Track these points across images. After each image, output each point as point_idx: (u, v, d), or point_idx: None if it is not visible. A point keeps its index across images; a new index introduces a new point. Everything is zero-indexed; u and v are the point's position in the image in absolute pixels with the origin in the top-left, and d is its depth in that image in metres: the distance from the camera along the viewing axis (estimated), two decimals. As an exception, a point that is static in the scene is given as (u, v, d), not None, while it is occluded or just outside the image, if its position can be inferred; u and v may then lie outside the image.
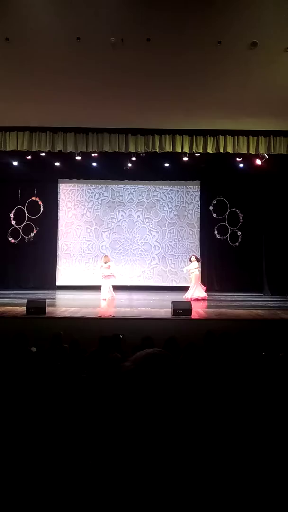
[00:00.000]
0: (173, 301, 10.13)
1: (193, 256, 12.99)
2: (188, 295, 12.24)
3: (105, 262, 12.28)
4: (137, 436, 0.94)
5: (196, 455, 1.18)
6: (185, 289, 12.95)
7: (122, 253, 15.02)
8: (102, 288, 12.07)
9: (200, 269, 13.12)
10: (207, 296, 12.49)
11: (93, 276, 14.19)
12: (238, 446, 2.26)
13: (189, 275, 13.02)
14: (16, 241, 14.72)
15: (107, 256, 12.79)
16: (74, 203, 15.13)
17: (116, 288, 13.49)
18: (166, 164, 13.09)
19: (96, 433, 2.26)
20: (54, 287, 14.54)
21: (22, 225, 14.76)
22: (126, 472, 0.97)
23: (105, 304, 11.57)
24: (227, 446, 2.23)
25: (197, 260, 12.94)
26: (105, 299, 11.82)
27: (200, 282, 12.80)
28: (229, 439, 2.37)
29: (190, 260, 12.94)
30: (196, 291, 12.43)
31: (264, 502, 1.56)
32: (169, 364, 0.92)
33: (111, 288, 12.16)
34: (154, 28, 7.25)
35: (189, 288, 12.60)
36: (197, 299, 12.03)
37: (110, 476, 1.02)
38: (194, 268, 12.73)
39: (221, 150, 10.07)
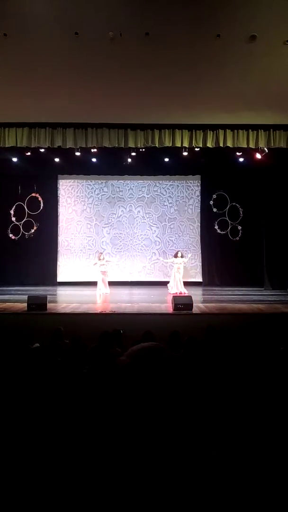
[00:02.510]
0: (173, 296, 10.15)
1: (180, 252, 12.85)
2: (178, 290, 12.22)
3: (103, 259, 12.39)
4: (135, 430, 0.94)
5: (194, 448, 1.19)
6: (186, 284, 12.92)
7: (123, 249, 15.02)
8: (104, 283, 12.15)
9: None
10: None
11: (94, 272, 14.20)
12: (238, 440, 2.27)
13: (179, 269, 12.63)
14: (16, 237, 14.74)
15: (101, 253, 12.90)
16: (74, 199, 15.12)
17: (117, 283, 13.53)
18: (166, 159, 13.06)
19: (97, 428, 2.27)
20: (54, 283, 14.57)
21: (23, 221, 14.77)
22: (125, 467, 0.98)
23: (106, 298, 11.66)
24: (227, 439, 2.24)
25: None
26: (107, 293, 11.96)
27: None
28: (229, 432, 2.38)
29: (182, 256, 12.75)
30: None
31: (265, 499, 1.56)
32: (164, 357, 0.92)
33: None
34: (152, 22, 7.21)
35: (177, 283, 12.50)
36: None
37: (110, 471, 1.03)
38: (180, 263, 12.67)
39: (221, 145, 10.03)
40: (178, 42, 7.56)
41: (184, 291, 12.19)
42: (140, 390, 0.90)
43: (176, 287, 12.33)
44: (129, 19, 7.22)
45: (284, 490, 1.66)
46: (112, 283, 12.94)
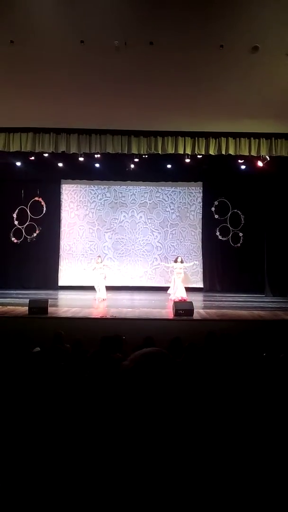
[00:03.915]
0: (174, 302, 10.18)
1: (180, 257, 12.84)
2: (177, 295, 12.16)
3: (101, 262, 12.35)
4: (137, 434, 0.99)
5: (195, 451, 1.23)
6: (187, 289, 12.90)
7: (124, 254, 15.07)
8: (102, 288, 12.11)
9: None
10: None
11: (95, 277, 14.23)
12: (238, 445, 2.30)
13: (179, 274, 12.52)
14: (18, 241, 14.79)
15: (99, 256, 12.86)
16: (76, 203, 15.19)
17: (118, 288, 13.56)
18: (169, 166, 13.15)
19: (99, 432, 2.31)
20: (56, 287, 14.60)
21: (25, 225, 14.83)
22: (128, 472, 1.02)
23: (104, 303, 11.62)
24: (227, 444, 2.27)
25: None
26: (105, 299, 11.88)
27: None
28: (228, 437, 2.42)
29: (181, 262, 12.73)
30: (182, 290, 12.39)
31: (264, 502, 1.59)
32: (166, 363, 0.97)
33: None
34: (157, 32, 7.33)
35: (178, 288, 12.40)
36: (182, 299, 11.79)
37: (113, 476, 1.06)
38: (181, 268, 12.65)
39: (223, 152, 10.11)
40: (182, 51, 7.66)
41: (184, 296, 12.15)
42: (142, 394, 0.95)
43: (175, 293, 12.25)
44: (134, 29, 7.33)
45: (281, 492, 1.70)
46: (113, 288, 12.95)
